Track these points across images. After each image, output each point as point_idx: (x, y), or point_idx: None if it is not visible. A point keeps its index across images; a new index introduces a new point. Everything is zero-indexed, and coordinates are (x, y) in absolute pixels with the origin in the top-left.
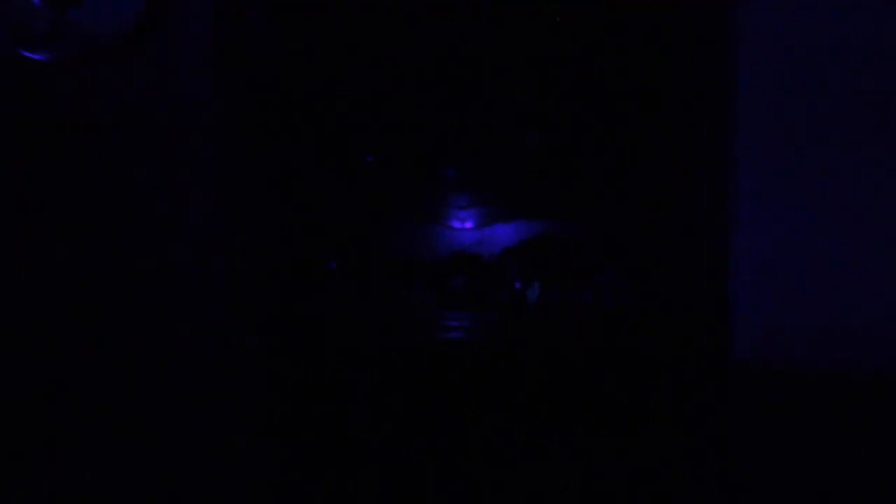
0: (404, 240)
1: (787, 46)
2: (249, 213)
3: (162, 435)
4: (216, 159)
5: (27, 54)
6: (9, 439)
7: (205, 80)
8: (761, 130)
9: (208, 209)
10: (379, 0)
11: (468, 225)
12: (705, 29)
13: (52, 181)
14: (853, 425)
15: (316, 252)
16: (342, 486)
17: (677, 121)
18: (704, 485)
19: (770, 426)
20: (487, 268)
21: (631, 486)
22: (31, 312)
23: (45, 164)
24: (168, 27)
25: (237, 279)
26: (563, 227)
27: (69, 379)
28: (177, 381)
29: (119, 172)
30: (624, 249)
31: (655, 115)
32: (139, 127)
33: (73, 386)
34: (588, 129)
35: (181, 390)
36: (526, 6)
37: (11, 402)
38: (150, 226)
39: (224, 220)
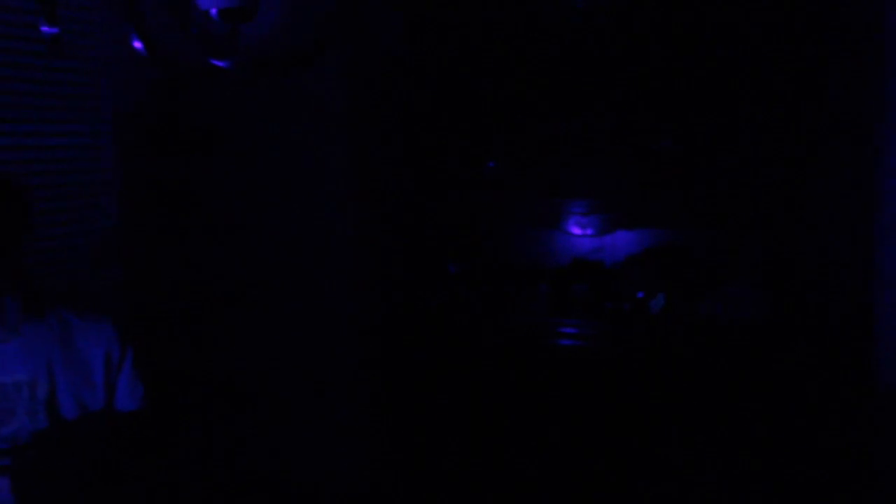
0: (523, 245)
1: None
2: (375, 214)
3: (304, 405)
4: (349, 164)
5: (214, 62)
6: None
7: (338, 88)
8: None
9: (339, 210)
10: (504, 3)
11: (589, 231)
12: (851, 34)
13: (201, 180)
14: None
15: (436, 254)
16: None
17: (816, 121)
18: None
19: None
20: (608, 275)
21: None
22: (194, 298)
23: (194, 164)
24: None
25: (363, 277)
26: (689, 235)
27: (227, 351)
28: (314, 359)
29: (256, 175)
30: (755, 260)
31: (793, 116)
32: (277, 133)
33: (230, 357)
34: (718, 133)
35: (319, 366)
36: (655, 8)
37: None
38: (288, 223)
39: (352, 221)
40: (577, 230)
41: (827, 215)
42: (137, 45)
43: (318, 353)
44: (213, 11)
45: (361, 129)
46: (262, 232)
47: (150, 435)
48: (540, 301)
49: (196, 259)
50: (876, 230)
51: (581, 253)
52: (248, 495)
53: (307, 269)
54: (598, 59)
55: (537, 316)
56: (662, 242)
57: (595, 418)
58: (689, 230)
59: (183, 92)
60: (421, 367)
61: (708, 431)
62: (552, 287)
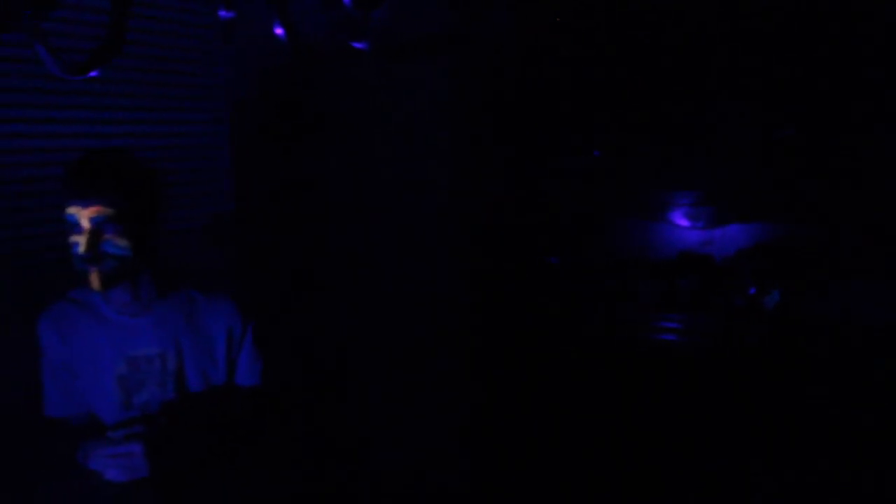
0: (628, 237)
1: None
2: (478, 205)
3: (405, 390)
4: (454, 155)
5: (355, 45)
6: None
7: (446, 77)
8: None
9: (444, 201)
10: None
11: (699, 223)
12: None
13: (313, 167)
14: None
15: (538, 246)
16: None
17: None
18: None
19: None
20: (718, 270)
21: None
22: (301, 282)
23: (307, 151)
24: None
25: (466, 267)
26: (807, 230)
27: (331, 336)
28: (416, 347)
29: (365, 163)
30: (879, 258)
31: None
32: (386, 122)
33: (333, 341)
34: (846, 123)
35: (421, 355)
36: None
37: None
38: (395, 211)
39: (457, 212)
40: (685, 222)
41: None
42: (279, 31)
43: (421, 342)
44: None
45: (468, 119)
46: (371, 219)
47: (268, 410)
48: (644, 295)
49: (306, 244)
50: None
51: (688, 246)
52: (351, 476)
53: (412, 258)
54: (715, 45)
55: (641, 310)
56: (777, 237)
57: (701, 417)
58: (806, 224)
59: (297, 81)
60: (521, 359)
61: (824, 436)
62: (657, 280)
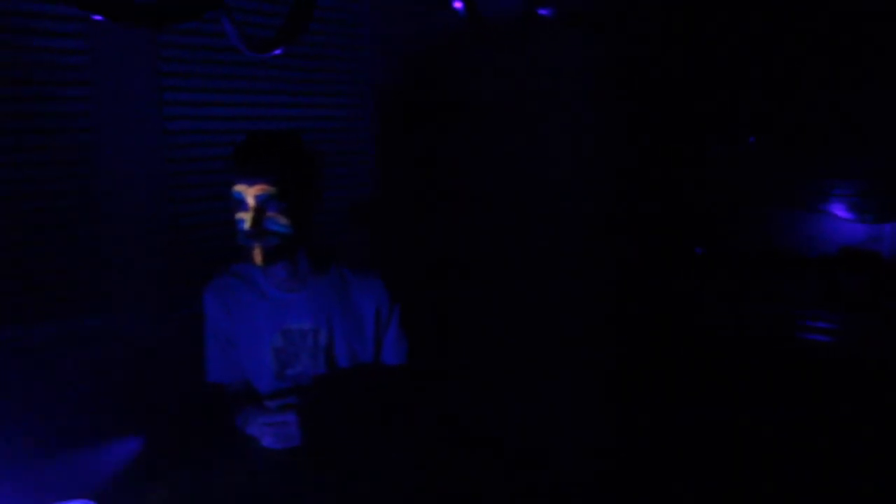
0: (781, 229)
1: None
2: (622, 190)
3: (539, 375)
4: (595, 139)
5: (541, 12)
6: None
7: (589, 59)
8: None
9: (587, 186)
10: None
11: (867, 217)
12: None
13: (451, 152)
14: None
15: (682, 235)
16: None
17: None
18: None
19: None
20: (886, 268)
21: None
22: (436, 265)
23: (446, 137)
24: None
25: (604, 253)
26: None
27: (463, 322)
28: (549, 335)
29: (500, 149)
30: None
31: None
32: (523, 109)
33: (465, 326)
34: None
35: (554, 343)
36: None
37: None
38: (534, 196)
39: (599, 196)
40: (848, 215)
41: None
42: (458, 4)
43: (559, 330)
44: None
45: (612, 103)
46: (512, 203)
47: (413, 391)
48: (798, 291)
49: (446, 228)
50: None
51: (852, 241)
52: (485, 465)
53: (554, 244)
54: (884, 25)
55: (794, 307)
56: None
57: (853, 427)
58: None
59: (437, 67)
60: (657, 350)
61: None
62: (814, 276)
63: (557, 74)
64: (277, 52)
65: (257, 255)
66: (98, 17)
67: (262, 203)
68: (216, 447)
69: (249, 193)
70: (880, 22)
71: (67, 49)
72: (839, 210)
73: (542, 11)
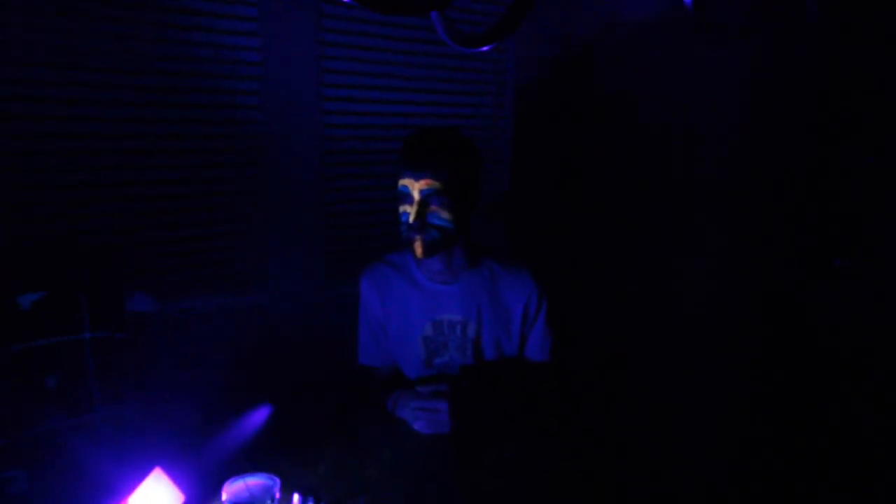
0: None
1: None
2: (759, 199)
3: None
4: (739, 147)
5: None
6: None
7: (733, 67)
8: None
9: (728, 194)
10: None
11: None
12: None
13: (587, 154)
14: None
15: (821, 245)
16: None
17: None
18: None
19: None
20: None
21: None
22: (566, 265)
23: (582, 138)
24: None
25: (740, 263)
26: None
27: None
28: (685, 343)
29: (637, 153)
30: None
31: None
32: (661, 113)
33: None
34: None
35: (690, 351)
36: None
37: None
38: (666, 200)
39: (741, 204)
40: None
41: None
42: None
43: (695, 337)
44: None
45: (756, 109)
46: (647, 207)
47: (557, 388)
48: None
49: (579, 229)
50: None
51: None
52: (619, 468)
53: (689, 249)
54: None
55: None
56: None
57: None
58: None
59: (575, 69)
60: (793, 363)
61: None
62: None
63: (696, 82)
64: (485, 48)
65: (418, 248)
66: None
67: (427, 197)
68: (373, 425)
69: (415, 187)
70: None
71: (241, 46)
72: None
73: (709, 18)
